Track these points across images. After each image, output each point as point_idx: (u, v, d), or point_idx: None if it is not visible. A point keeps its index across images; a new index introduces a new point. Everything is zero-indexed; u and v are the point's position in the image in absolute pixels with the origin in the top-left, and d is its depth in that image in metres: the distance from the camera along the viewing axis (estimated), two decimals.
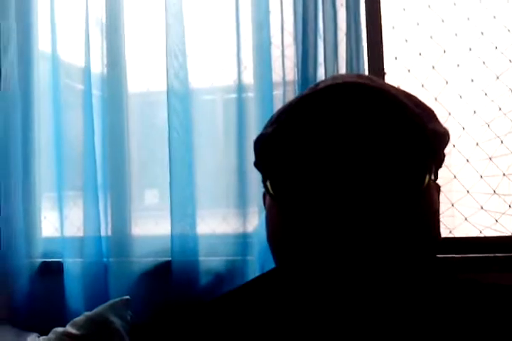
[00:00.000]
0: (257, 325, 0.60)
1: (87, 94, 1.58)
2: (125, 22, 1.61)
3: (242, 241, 1.52)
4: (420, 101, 0.60)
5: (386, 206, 0.50)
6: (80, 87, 1.60)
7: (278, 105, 1.44)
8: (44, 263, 1.60)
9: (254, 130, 1.51)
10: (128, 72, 1.61)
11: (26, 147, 1.61)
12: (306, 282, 0.54)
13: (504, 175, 1.74)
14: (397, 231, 0.51)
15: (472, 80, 1.76)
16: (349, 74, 0.66)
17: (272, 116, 0.60)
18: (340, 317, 0.54)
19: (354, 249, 0.50)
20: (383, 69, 1.61)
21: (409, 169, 0.52)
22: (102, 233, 1.55)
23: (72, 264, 1.55)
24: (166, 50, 1.55)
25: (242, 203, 1.53)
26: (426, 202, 0.54)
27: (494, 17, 1.73)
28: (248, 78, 1.56)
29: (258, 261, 1.47)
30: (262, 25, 1.53)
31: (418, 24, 1.73)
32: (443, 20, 1.70)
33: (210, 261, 1.52)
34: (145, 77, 1.69)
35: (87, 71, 1.58)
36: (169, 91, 1.55)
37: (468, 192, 1.69)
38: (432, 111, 0.61)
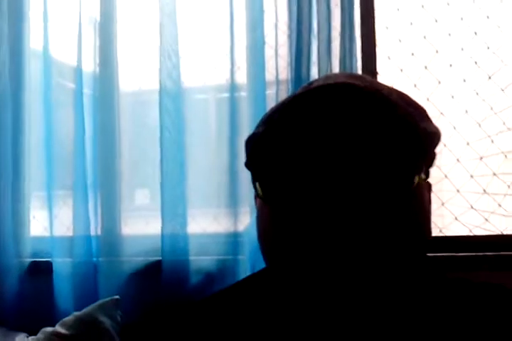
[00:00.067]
0: (248, 325, 0.60)
1: (79, 92, 1.57)
2: (118, 21, 1.60)
3: (233, 240, 1.52)
4: (412, 101, 0.60)
5: (376, 206, 0.50)
6: (72, 85, 1.60)
7: (271, 104, 1.44)
8: (33, 262, 1.59)
9: (246, 129, 1.51)
10: (120, 70, 1.60)
11: (16, 146, 1.60)
12: (297, 282, 0.54)
13: (494, 174, 1.74)
14: (387, 231, 0.51)
15: (464, 80, 1.76)
16: (342, 74, 0.66)
17: (263, 116, 0.60)
18: (331, 316, 0.54)
19: (344, 249, 0.50)
20: (376, 68, 1.61)
21: (399, 169, 0.52)
22: (92, 232, 1.55)
23: (62, 264, 1.54)
24: (159, 49, 1.55)
25: (233, 203, 1.53)
26: (417, 201, 0.54)
27: (487, 17, 1.73)
28: (241, 77, 1.56)
29: (249, 261, 1.47)
30: (255, 25, 1.53)
31: (411, 24, 1.73)
32: (436, 21, 1.70)
33: (201, 260, 1.52)
34: (137, 76, 1.68)
35: (78, 70, 1.58)
36: (161, 90, 1.54)
37: (458, 191, 1.70)
38: (424, 111, 0.61)
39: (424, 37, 1.70)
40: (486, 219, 1.70)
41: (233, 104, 1.55)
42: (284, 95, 1.49)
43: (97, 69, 1.59)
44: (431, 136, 0.58)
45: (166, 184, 1.51)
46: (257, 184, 0.56)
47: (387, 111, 0.52)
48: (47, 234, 1.58)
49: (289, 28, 1.52)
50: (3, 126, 1.58)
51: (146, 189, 1.73)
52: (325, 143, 0.51)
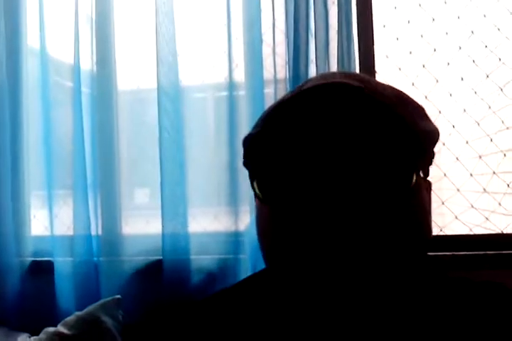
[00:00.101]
0: (249, 324, 0.60)
1: (77, 91, 1.56)
2: (115, 19, 1.59)
3: (234, 239, 1.51)
4: (410, 99, 0.61)
5: (374, 205, 0.50)
6: (69, 84, 1.59)
7: (269, 103, 1.43)
8: (34, 262, 1.59)
9: (245, 128, 1.51)
10: (118, 69, 1.59)
11: (15, 145, 1.59)
12: (297, 282, 0.53)
13: (494, 173, 1.75)
14: (386, 230, 0.51)
15: (462, 79, 1.77)
16: (338, 73, 0.66)
17: (260, 116, 0.60)
18: (332, 316, 0.54)
19: (343, 249, 0.50)
20: (374, 67, 1.61)
21: (396, 167, 0.52)
22: (93, 232, 1.54)
23: (63, 263, 1.53)
24: (156, 48, 1.54)
25: (233, 201, 1.52)
26: (415, 200, 0.54)
27: (484, 16, 1.74)
28: (239, 76, 1.56)
29: (250, 260, 1.47)
30: (253, 23, 1.53)
31: (409, 22, 1.73)
32: (433, 19, 1.71)
33: (202, 259, 1.51)
34: (135, 75, 1.67)
35: (76, 68, 1.57)
36: (159, 89, 1.54)
37: (458, 190, 1.70)
38: (422, 109, 0.61)
39: (422, 35, 1.71)
40: (487, 218, 1.71)
41: (232, 102, 1.55)
42: (282, 93, 1.48)
43: (95, 67, 1.58)
44: (429, 135, 0.58)
45: (165, 183, 1.51)
46: (255, 184, 0.56)
47: (383, 110, 0.52)
48: (47, 233, 1.57)
49: (287, 26, 1.52)
50: (2, 125, 1.57)
51: (146, 188, 1.72)
52: (320, 143, 0.51)
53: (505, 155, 1.82)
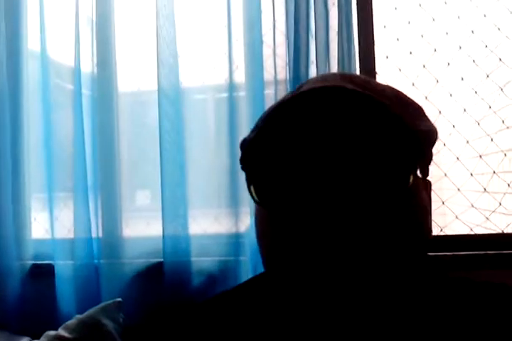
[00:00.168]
0: (250, 327, 0.60)
1: (77, 93, 1.56)
2: (115, 21, 1.59)
3: (235, 241, 1.51)
4: (409, 99, 0.61)
5: (372, 206, 0.50)
6: (70, 86, 1.59)
7: (269, 104, 1.41)
8: (35, 265, 1.58)
9: (245, 129, 1.51)
10: (118, 71, 1.59)
11: (15, 147, 1.59)
12: (297, 285, 0.53)
13: (494, 172, 1.75)
14: (385, 231, 0.51)
15: (462, 79, 1.77)
16: (335, 74, 0.66)
17: (259, 117, 0.60)
18: (332, 318, 0.54)
19: (343, 251, 0.50)
20: (374, 68, 1.61)
21: (393, 168, 0.52)
22: (93, 234, 1.53)
23: (63, 266, 1.53)
24: (156, 49, 1.54)
25: (234, 203, 1.52)
26: (415, 200, 0.54)
27: (484, 15, 1.74)
28: (240, 77, 1.55)
29: (251, 261, 1.47)
30: (253, 24, 1.53)
31: (409, 23, 1.73)
32: (434, 19, 1.71)
33: (203, 261, 1.51)
34: (135, 77, 1.67)
35: (77, 70, 1.57)
36: (160, 91, 1.53)
37: (458, 190, 1.71)
38: (421, 109, 0.61)
39: (422, 36, 1.71)
40: (487, 218, 1.71)
41: (232, 103, 1.55)
42: (282, 94, 1.47)
43: (95, 70, 1.58)
44: (427, 135, 0.58)
45: (166, 184, 1.50)
46: (252, 188, 0.56)
47: (381, 110, 0.52)
48: (48, 236, 1.57)
49: (287, 27, 1.52)
50: (2, 127, 1.57)
51: (146, 190, 1.72)
52: (315, 146, 0.51)
53: (505, 154, 1.83)
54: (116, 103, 1.58)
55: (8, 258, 1.54)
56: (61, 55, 1.61)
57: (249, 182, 0.56)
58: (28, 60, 1.64)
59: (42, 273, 1.56)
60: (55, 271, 1.53)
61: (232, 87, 1.55)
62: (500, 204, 1.68)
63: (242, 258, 1.49)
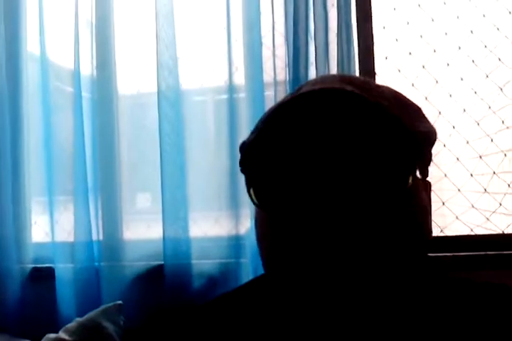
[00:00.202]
0: (251, 329, 0.60)
1: (77, 96, 1.56)
2: (115, 23, 1.59)
3: (235, 243, 1.51)
4: (407, 100, 0.61)
5: (371, 208, 0.50)
6: (70, 89, 1.59)
7: (269, 105, 1.41)
8: (35, 268, 1.58)
9: (245, 131, 1.50)
10: (118, 73, 1.59)
11: (15, 150, 1.59)
12: (297, 287, 0.53)
13: (494, 173, 1.75)
14: (385, 232, 0.51)
15: (462, 79, 1.77)
16: (334, 76, 0.66)
17: (259, 119, 0.60)
18: (333, 320, 0.54)
19: (343, 252, 0.50)
20: (374, 69, 1.61)
21: (392, 169, 0.52)
22: (94, 237, 1.54)
23: (64, 269, 1.53)
24: (156, 51, 1.54)
25: (234, 205, 1.52)
26: (414, 201, 0.54)
27: (483, 15, 1.74)
28: (239, 79, 1.56)
29: (251, 264, 1.47)
30: (252, 26, 1.53)
31: (408, 23, 1.73)
32: (433, 20, 1.71)
33: (203, 264, 1.51)
34: (135, 79, 1.67)
35: (76, 73, 1.57)
36: (160, 93, 1.54)
37: (459, 190, 1.70)
38: (420, 110, 0.61)
39: (421, 36, 1.70)
40: (487, 218, 1.71)
41: (232, 105, 1.55)
42: (282, 96, 1.48)
43: (95, 72, 1.58)
44: (426, 135, 0.58)
45: (166, 187, 1.50)
46: (251, 191, 0.56)
47: (379, 111, 0.52)
48: (48, 239, 1.57)
49: (286, 28, 1.52)
50: (2, 130, 1.57)
51: (146, 192, 1.72)
52: (313, 149, 0.51)
53: (505, 155, 1.82)
54: (116, 105, 1.58)
55: (8, 262, 1.54)
56: (61, 57, 1.62)
57: (249, 184, 0.56)
58: (28, 63, 1.64)
59: (42, 277, 1.56)
60: (56, 274, 1.53)
61: (231, 88, 1.55)
62: (500, 204, 1.68)
63: (242, 260, 1.49)
